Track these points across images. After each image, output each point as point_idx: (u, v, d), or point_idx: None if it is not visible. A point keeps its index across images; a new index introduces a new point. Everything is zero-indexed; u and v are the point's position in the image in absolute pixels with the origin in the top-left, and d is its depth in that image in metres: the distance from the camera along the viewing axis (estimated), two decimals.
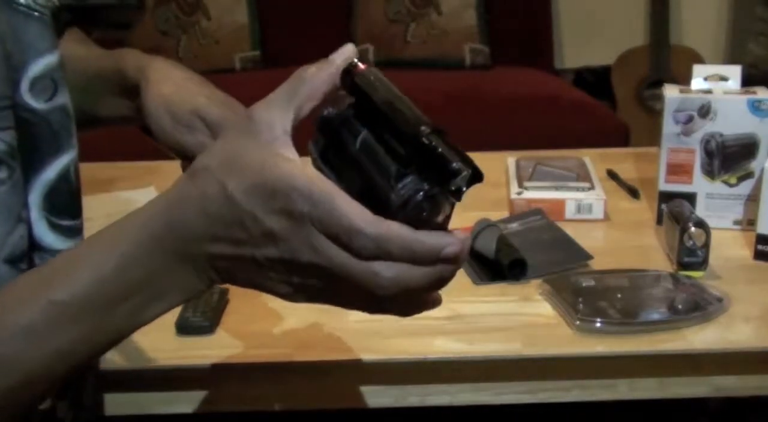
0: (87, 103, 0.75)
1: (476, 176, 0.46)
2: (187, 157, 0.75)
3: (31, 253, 0.60)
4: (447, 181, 0.46)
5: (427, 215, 0.47)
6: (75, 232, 0.64)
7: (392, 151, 0.48)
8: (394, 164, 0.47)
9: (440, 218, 0.48)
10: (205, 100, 0.73)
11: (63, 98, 0.62)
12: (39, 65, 0.60)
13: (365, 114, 0.50)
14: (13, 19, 0.59)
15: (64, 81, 0.62)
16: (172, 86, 0.73)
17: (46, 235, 0.62)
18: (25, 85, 0.59)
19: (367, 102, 0.50)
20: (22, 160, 0.59)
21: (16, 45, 0.58)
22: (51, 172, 0.62)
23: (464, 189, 0.46)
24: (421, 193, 0.46)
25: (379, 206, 0.46)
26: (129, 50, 0.78)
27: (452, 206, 0.48)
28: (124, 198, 1.30)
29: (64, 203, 0.63)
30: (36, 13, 0.60)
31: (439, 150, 0.46)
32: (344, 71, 0.51)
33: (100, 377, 0.79)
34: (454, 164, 0.45)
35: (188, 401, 0.88)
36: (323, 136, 0.51)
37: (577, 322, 0.89)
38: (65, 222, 0.63)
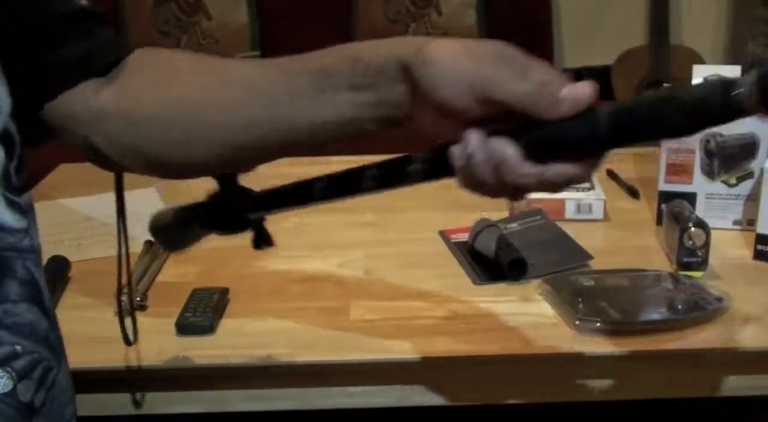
0: (282, 112, 0.64)
1: None
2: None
3: None
4: None
5: None
6: (27, 209, 0.63)
7: None
8: None
9: None
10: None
11: None
12: None
13: None
14: None
15: None
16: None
17: (4, 214, 0.60)
18: None
19: None
20: None
21: None
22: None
23: None
24: None
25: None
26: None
27: None
28: (125, 198, 1.30)
29: (18, 178, 0.62)
30: None
31: None
32: None
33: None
34: None
35: (188, 401, 0.88)
36: None
37: (577, 322, 0.89)
38: (15, 197, 0.61)
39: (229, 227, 0.75)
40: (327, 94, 0.62)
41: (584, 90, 0.53)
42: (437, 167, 0.60)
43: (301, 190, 0.69)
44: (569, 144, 0.54)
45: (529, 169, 0.56)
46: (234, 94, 0.65)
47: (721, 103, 0.50)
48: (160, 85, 0.68)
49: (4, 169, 0.60)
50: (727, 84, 0.49)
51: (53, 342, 0.66)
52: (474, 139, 0.56)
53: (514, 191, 0.59)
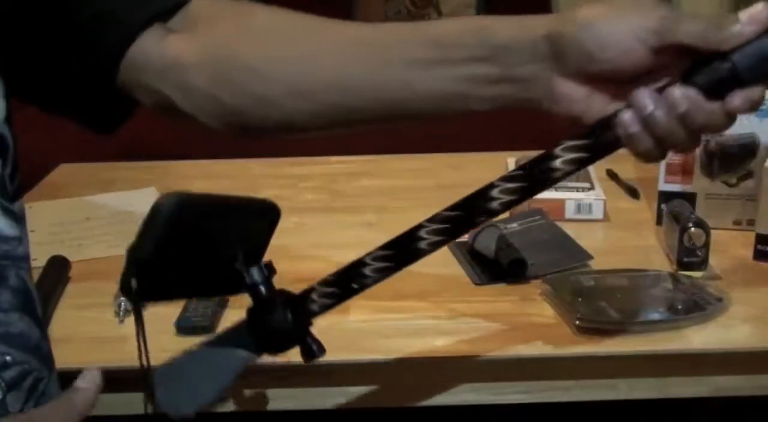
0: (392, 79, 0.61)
1: None
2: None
3: None
4: None
5: None
6: (20, 216, 0.62)
7: None
8: None
9: None
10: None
11: None
12: None
13: None
14: None
15: None
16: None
17: (0, 221, 0.60)
18: None
19: None
20: None
21: None
22: None
23: None
24: None
25: None
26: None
27: None
28: (124, 198, 1.31)
29: (13, 185, 0.61)
30: None
31: None
32: None
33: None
34: None
35: None
36: None
37: (577, 322, 0.89)
38: (8, 204, 0.61)
39: (281, 346, 0.68)
40: (444, 65, 0.59)
41: (762, 9, 0.52)
42: (597, 148, 0.57)
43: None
44: (757, 67, 0.52)
45: (716, 107, 0.54)
46: (348, 52, 0.62)
47: None
48: (257, 38, 0.64)
49: None
50: None
51: (44, 352, 0.66)
52: (648, 96, 0.54)
53: (700, 136, 0.57)
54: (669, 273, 0.99)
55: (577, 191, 1.19)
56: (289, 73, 0.63)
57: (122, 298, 0.93)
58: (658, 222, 1.13)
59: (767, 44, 0.51)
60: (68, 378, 0.72)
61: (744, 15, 0.52)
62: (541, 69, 0.56)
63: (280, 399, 0.88)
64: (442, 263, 1.06)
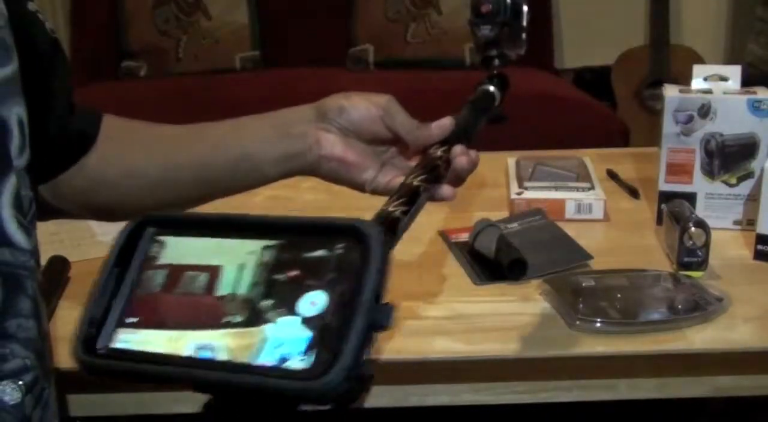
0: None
1: None
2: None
3: None
4: None
5: None
6: (32, 230, 0.66)
7: None
8: None
9: None
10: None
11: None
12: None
13: None
14: None
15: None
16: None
17: (16, 234, 0.63)
18: None
19: None
20: None
21: None
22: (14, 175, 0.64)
23: None
24: None
25: None
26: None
27: None
28: None
29: (28, 203, 0.66)
30: None
31: None
32: None
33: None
34: None
35: (189, 401, 0.88)
36: None
37: (577, 322, 0.89)
38: (25, 221, 0.65)
39: None
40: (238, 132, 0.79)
41: (448, 122, 0.76)
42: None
43: None
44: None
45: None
46: (186, 173, 0.79)
47: None
48: (126, 153, 0.80)
49: (16, 193, 0.63)
50: None
51: (48, 364, 0.68)
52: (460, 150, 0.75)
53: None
54: (669, 273, 0.99)
55: (577, 191, 1.19)
56: (152, 182, 0.80)
57: None
58: (658, 222, 1.13)
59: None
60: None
61: (435, 124, 0.75)
62: (311, 127, 0.76)
63: None
64: (442, 263, 1.06)
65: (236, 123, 0.79)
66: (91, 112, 0.80)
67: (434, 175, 0.70)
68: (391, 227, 0.57)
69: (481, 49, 0.85)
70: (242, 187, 0.81)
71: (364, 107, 0.75)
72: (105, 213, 0.82)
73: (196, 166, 0.78)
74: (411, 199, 0.63)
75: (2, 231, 0.62)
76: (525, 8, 0.82)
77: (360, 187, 0.77)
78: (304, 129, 0.75)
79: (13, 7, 0.66)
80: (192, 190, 0.80)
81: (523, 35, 0.84)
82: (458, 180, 0.75)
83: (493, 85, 0.85)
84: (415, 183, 0.66)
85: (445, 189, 0.73)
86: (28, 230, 0.65)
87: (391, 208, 0.59)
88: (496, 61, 0.85)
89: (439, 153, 0.73)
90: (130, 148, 0.80)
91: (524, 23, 0.82)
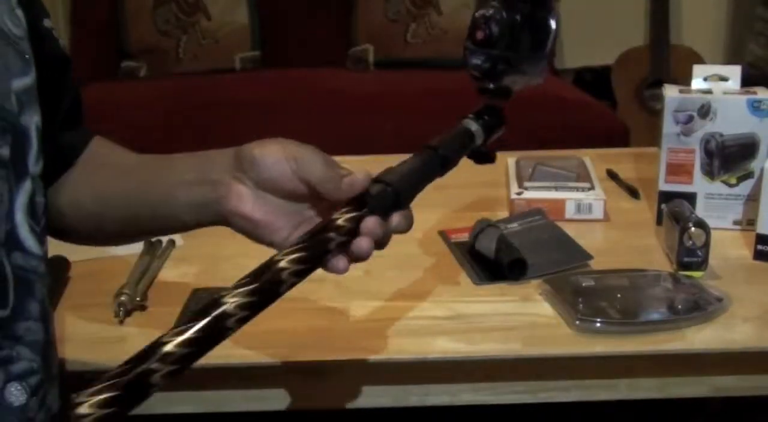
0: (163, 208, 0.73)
1: None
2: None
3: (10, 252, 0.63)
4: None
5: None
6: (44, 237, 0.68)
7: None
8: None
9: None
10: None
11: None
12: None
13: None
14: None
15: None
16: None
17: (28, 239, 0.65)
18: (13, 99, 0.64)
19: None
20: (13, 168, 0.63)
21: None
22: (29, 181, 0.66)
23: None
24: None
25: None
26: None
27: None
28: None
29: (41, 210, 0.68)
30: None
31: None
32: None
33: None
34: None
35: (188, 401, 0.88)
36: None
37: (577, 322, 0.89)
38: (38, 227, 0.66)
39: None
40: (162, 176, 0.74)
41: (362, 178, 0.65)
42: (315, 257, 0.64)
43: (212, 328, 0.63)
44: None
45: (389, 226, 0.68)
46: (112, 210, 0.76)
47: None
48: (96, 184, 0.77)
49: (30, 199, 0.65)
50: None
51: (52, 367, 0.68)
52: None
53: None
54: (669, 273, 0.99)
55: (577, 191, 1.19)
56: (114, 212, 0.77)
57: (122, 298, 0.93)
58: (658, 222, 1.13)
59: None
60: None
61: (347, 180, 0.65)
62: (227, 175, 0.68)
63: (279, 399, 0.88)
64: (442, 263, 1.06)
65: (169, 160, 0.74)
66: (81, 135, 0.79)
67: (314, 252, 0.62)
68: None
69: (475, 79, 0.74)
70: (164, 229, 0.77)
71: (275, 160, 0.66)
72: (60, 236, 0.79)
73: (122, 203, 0.75)
74: (262, 292, 0.61)
75: (15, 236, 0.63)
76: (553, 25, 0.71)
77: (271, 246, 0.69)
78: (220, 177, 0.68)
79: (30, 22, 0.68)
80: (117, 226, 0.76)
81: (540, 65, 0.75)
82: (360, 258, 0.66)
83: (480, 122, 0.72)
84: (282, 264, 0.61)
85: (338, 261, 0.65)
86: (40, 236, 0.66)
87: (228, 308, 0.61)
88: (489, 96, 0.74)
89: (340, 221, 0.63)
90: (83, 178, 0.77)
91: (546, 48, 0.71)
